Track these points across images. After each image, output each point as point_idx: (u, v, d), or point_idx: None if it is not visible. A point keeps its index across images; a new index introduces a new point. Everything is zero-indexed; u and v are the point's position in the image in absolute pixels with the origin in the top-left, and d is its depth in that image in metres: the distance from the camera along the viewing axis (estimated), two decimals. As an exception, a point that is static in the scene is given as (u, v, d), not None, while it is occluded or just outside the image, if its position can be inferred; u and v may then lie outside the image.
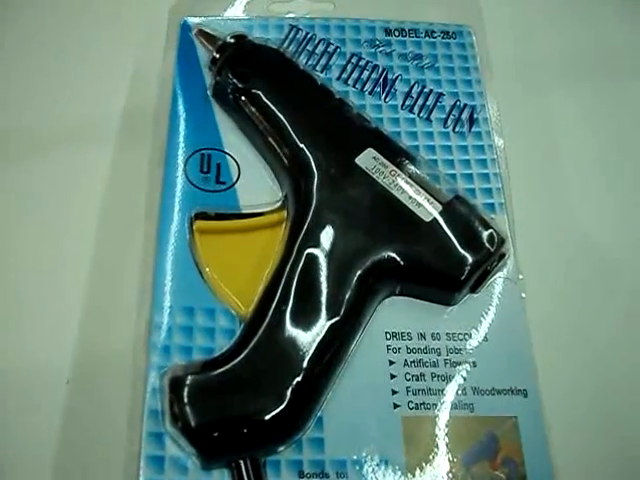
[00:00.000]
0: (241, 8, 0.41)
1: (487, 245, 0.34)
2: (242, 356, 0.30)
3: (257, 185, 0.36)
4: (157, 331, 0.32)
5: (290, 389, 0.30)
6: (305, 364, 0.30)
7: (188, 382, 0.30)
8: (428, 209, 0.34)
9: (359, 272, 0.32)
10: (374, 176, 0.35)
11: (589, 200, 0.40)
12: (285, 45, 0.40)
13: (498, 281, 0.35)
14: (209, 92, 0.38)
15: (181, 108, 0.37)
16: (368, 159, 0.35)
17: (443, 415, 0.31)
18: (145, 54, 0.43)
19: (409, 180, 0.35)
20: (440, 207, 0.34)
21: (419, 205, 0.34)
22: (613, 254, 0.39)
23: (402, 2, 0.43)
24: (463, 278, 0.33)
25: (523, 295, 0.34)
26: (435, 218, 0.34)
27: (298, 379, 0.30)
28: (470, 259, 0.33)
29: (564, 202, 0.40)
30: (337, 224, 0.33)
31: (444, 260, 0.33)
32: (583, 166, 0.42)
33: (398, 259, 0.33)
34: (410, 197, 0.34)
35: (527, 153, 0.41)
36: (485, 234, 0.34)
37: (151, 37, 0.41)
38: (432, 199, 0.34)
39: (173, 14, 0.41)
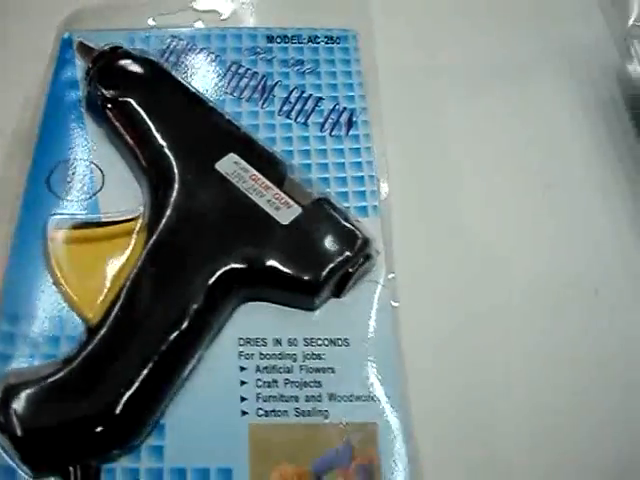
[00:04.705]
0: (128, 21, 0.41)
1: (347, 247, 0.33)
2: (75, 363, 0.30)
3: (120, 194, 0.35)
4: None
5: (123, 399, 0.29)
6: (141, 376, 0.29)
7: (19, 390, 0.29)
8: (286, 212, 0.34)
9: (209, 281, 0.31)
10: (233, 181, 0.34)
11: (474, 201, 0.40)
12: (166, 56, 0.40)
13: (367, 285, 0.34)
14: (82, 105, 0.38)
15: (50, 121, 0.37)
16: (229, 164, 0.35)
17: (294, 422, 0.31)
18: (32, 73, 0.41)
19: (270, 184, 0.34)
20: (300, 210, 0.33)
21: (278, 208, 0.34)
22: (499, 255, 0.38)
23: (297, 11, 0.43)
24: (320, 281, 0.32)
25: (394, 303, 0.34)
26: (293, 220, 0.33)
27: (130, 391, 0.29)
28: (328, 261, 0.33)
29: (448, 205, 0.40)
30: (188, 231, 0.33)
31: (300, 263, 0.32)
32: (466, 164, 0.41)
33: (250, 264, 0.32)
34: (269, 200, 0.34)
35: (410, 155, 0.40)
36: (346, 235, 0.33)
37: (39, 54, 0.41)
38: (292, 202, 0.34)
39: (60, 30, 0.41)
